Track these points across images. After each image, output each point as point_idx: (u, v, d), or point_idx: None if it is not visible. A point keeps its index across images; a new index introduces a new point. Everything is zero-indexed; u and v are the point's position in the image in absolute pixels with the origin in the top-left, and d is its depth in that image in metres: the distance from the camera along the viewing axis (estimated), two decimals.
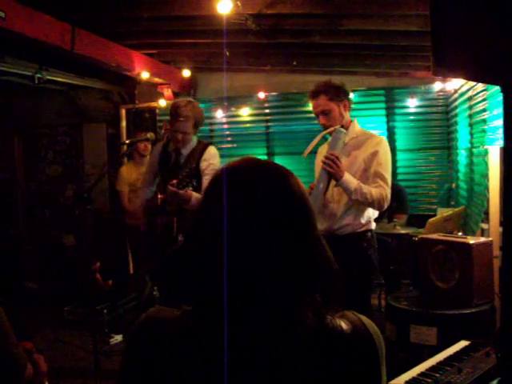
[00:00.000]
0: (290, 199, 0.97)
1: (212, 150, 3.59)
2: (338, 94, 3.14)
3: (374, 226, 3.27)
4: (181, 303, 1.01)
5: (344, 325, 0.96)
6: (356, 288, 2.95)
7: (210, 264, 0.94)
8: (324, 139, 3.38)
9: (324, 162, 2.90)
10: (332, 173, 2.89)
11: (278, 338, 0.91)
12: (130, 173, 5.25)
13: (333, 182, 2.98)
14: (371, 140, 3.17)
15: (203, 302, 0.96)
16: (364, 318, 1.01)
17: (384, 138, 3.29)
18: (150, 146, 5.28)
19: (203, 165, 3.49)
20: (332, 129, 3.08)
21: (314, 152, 3.24)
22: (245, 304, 0.92)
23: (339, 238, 3.10)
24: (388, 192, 3.05)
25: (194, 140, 3.66)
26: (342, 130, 3.03)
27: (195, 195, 3.33)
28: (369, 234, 3.20)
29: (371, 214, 3.20)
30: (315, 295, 0.97)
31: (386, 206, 3.08)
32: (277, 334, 0.91)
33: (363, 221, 3.16)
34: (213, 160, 3.51)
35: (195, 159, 3.55)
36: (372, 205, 3.04)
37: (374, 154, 3.09)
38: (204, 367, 0.90)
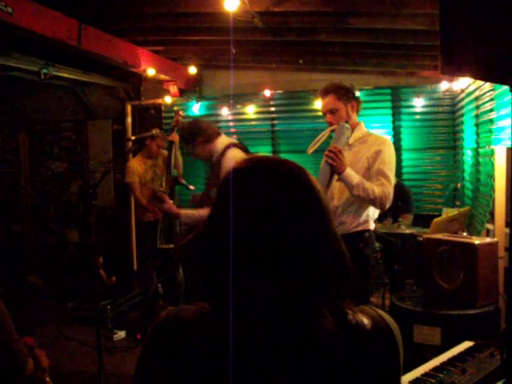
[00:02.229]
0: (308, 195, 0.97)
1: (228, 155, 3.52)
2: (347, 94, 3.16)
3: (372, 226, 3.20)
4: (197, 300, 1.01)
5: (366, 320, 0.96)
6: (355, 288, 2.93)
7: (224, 261, 0.93)
8: (330, 138, 3.36)
9: (326, 155, 2.89)
10: (334, 166, 2.87)
11: (299, 336, 0.90)
12: (138, 166, 5.25)
13: (335, 178, 2.97)
14: (376, 140, 3.16)
15: (218, 299, 0.96)
16: (383, 314, 1.01)
17: (389, 139, 3.28)
18: (161, 150, 5.28)
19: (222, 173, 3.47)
20: (336, 125, 3.08)
21: (321, 151, 3.23)
22: (262, 301, 0.91)
23: None
24: (391, 191, 3.00)
25: (219, 147, 3.59)
26: (346, 125, 3.02)
27: (184, 212, 3.43)
28: (366, 233, 3.13)
29: (370, 213, 3.15)
30: (331, 291, 0.96)
31: (387, 206, 3.02)
32: (297, 332, 0.91)
33: (360, 220, 3.10)
34: (227, 164, 3.46)
35: (218, 167, 3.54)
36: (373, 202, 2.99)
37: (378, 152, 3.06)
38: (221, 367, 0.89)
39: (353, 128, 3.17)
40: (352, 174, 2.92)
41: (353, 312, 0.97)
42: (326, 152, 2.90)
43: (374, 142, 3.14)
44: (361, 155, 3.11)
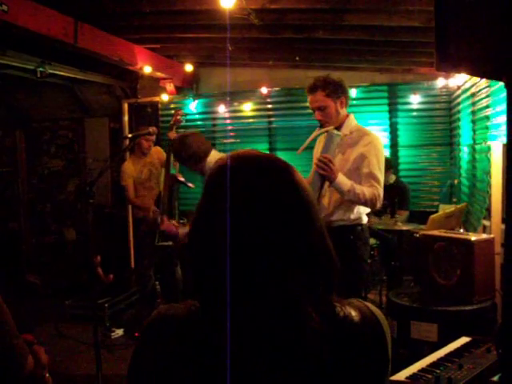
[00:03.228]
0: (293, 192, 0.97)
1: (211, 160, 3.54)
2: (336, 90, 3.11)
3: (365, 220, 3.22)
4: (187, 298, 1.01)
5: (353, 312, 0.97)
6: (347, 280, 2.93)
7: (211, 259, 0.94)
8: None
9: (317, 165, 2.89)
10: (325, 175, 2.88)
11: (285, 333, 0.91)
12: (132, 167, 5.25)
13: (327, 183, 2.97)
14: (363, 139, 3.12)
15: (207, 297, 0.96)
16: (370, 305, 1.02)
17: (377, 136, 3.23)
18: (152, 144, 5.30)
19: None
20: (325, 129, 3.06)
21: (311, 148, 3.23)
22: (250, 298, 0.92)
23: (328, 230, 3.07)
24: (380, 191, 3.03)
25: (210, 164, 3.54)
26: (336, 131, 3.00)
27: (182, 232, 3.44)
28: (358, 228, 3.15)
29: (362, 209, 3.17)
30: (317, 286, 0.96)
31: (378, 205, 3.06)
32: (283, 329, 0.91)
33: (353, 216, 3.13)
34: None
35: None
36: (365, 204, 3.04)
37: (365, 154, 3.05)
38: (211, 367, 0.90)
39: (341, 123, 3.16)
40: (343, 181, 2.92)
41: (341, 305, 0.97)
42: (317, 162, 2.89)
43: (361, 141, 3.11)
44: (349, 155, 3.11)
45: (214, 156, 3.60)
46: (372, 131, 3.30)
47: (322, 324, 0.92)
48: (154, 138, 5.23)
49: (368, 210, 3.23)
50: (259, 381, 0.90)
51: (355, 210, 3.12)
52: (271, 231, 0.92)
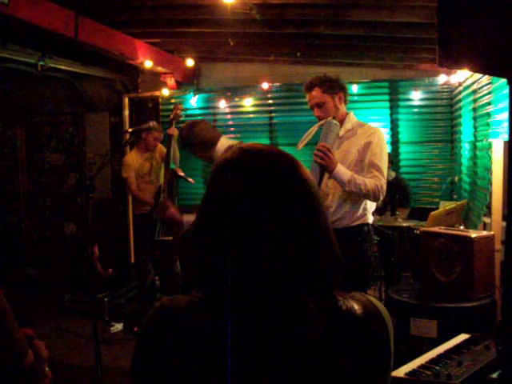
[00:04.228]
0: (298, 185, 0.97)
1: (220, 148, 3.51)
2: (333, 86, 3.12)
3: (371, 219, 3.18)
4: (191, 290, 1.02)
5: (356, 306, 0.97)
6: (351, 282, 2.91)
7: (214, 251, 0.94)
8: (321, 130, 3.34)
9: (315, 154, 2.87)
10: (324, 165, 2.85)
11: (289, 324, 0.91)
12: (134, 160, 5.26)
13: (327, 175, 2.96)
14: (365, 130, 3.12)
15: (209, 289, 0.97)
16: (374, 300, 1.02)
17: (379, 129, 3.22)
18: (159, 143, 5.31)
19: None
20: (324, 121, 3.06)
21: (312, 143, 3.22)
22: (251, 289, 0.92)
23: (334, 232, 3.04)
24: (383, 183, 2.98)
25: (219, 151, 3.49)
26: (334, 121, 2.99)
27: (187, 220, 3.48)
28: (365, 228, 3.12)
29: (368, 206, 3.13)
30: (321, 279, 0.96)
31: (381, 197, 3.02)
32: (287, 320, 0.92)
33: (358, 213, 3.08)
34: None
35: None
36: (367, 196, 2.98)
37: (368, 144, 3.03)
38: (214, 358, 0.90)
39: (342, 119, 3.14)
40: (343, 171, 2.90)
41: (343, 298, 0.97)
42: (315, 151, 2.88)
43: (363, 133, 3.11)
44: (351, 148, 3.09)
45: (223, 144, 3.55)
46: (374, 125, 3.30)
47: (323, 317, 0.92)
48: (161, 136, 5.23)
49: (374, 207, 3.21)
50: (261, 373, 0.90)
51: (361, 208, 3.08)
52: (275, 223, 0.92)
